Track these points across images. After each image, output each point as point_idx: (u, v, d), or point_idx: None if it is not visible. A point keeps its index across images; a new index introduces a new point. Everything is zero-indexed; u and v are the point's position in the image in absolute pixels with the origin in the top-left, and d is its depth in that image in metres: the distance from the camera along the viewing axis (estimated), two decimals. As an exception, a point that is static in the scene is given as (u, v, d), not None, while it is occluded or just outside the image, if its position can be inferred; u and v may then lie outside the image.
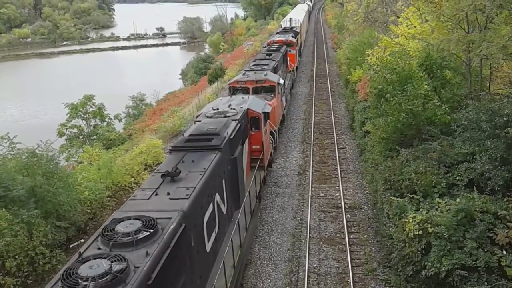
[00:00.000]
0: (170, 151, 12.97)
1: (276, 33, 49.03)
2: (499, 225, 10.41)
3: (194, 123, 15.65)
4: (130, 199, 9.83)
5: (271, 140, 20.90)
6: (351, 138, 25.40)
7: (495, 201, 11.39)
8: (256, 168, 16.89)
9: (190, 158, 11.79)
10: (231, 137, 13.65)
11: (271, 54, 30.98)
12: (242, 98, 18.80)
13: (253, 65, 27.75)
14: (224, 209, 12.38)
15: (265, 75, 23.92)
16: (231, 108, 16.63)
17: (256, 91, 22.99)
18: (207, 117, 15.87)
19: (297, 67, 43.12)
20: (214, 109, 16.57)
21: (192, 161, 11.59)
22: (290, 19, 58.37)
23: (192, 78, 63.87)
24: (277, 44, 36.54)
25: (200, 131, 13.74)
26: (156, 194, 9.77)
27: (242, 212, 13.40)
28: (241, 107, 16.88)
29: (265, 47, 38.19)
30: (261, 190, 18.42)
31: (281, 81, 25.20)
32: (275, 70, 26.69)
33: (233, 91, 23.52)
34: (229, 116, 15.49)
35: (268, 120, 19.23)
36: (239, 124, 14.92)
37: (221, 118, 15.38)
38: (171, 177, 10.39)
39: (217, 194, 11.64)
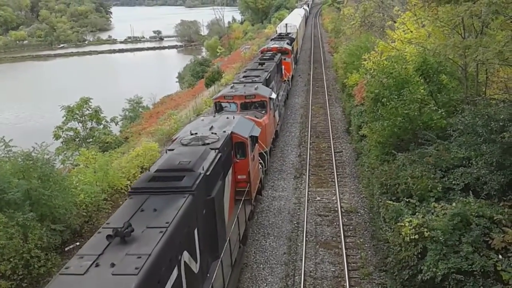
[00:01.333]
0: (129, 194, 10.46)
1: (271, 40, 46.50)
2: (495, 230, 10.43)
3: (166, 152, 13.12)
4: (60, 273, 7.33)
5: (261, 164, 18.81)
6: (347, 142, 25.44)
7: (491, 205, 11.41)
8: (241, 202, 14.43)
9: (152, 205, 9.39)
10: (208, 172, 11.35)
11: (263, 64, 28.58)
12: (227, 118, 16.55)
13: (243, 77, 25.36)
14: (196, 268, 9.99)
15: (256, 88, 21.51)
16: (212, 133, 14.42)
17: (245, 107, 20.81)
18: (182, 144, 13.49)
19: (293, 75, 41.21)
20: (192, 134, 14.20)
21: (154, 210, 9.18)
22: (286, 24, 56.35)
23: (189, 81, 63.93)
24: (271, 53, 33.99)
25: (170, 165, 11.45)
26: (97, 265, 7.28)
27: (219, 266, 11.08)
28: (224, 131, 14.66)
29: (260, 54, 36.17)
30: (248, 229, 15.86)
31: (273, 96, 22.64)
32: (267, 82, 24.48)
33: (219, 107, 21.16)
34: (208, 144, 13.26)
35: (256, 144, 17.12)
36: (219, 154, 12.76)
37: (198, 146, 13.09)
38: (121, 238, 7.89)
39: (185, 253, 9.24)
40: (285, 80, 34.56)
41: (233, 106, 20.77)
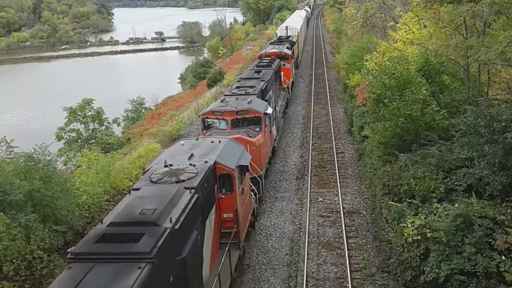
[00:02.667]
0: (68, 261, 8.05)
1: (270, 43, 43.69)
2: (498, 231, 10.41)
3: (129, 192, 10.77)
4: None
5: (254, 192, 16.43)
6: (349, 143, 25.42)
7: (494, 206, 11.39)
8: (226, 247, 12.17)
9: (96, 278, 7.22)
10: (178, 225, 8.98)
11: (260, 72, 25.68)
12: (212, 142, 14.22)
13: (236, 88, 22.68)
14: None
15: (249, 102, 19.07)
16: (191, 164, 11.96)
17: (236, 124, 18.45)
18: (151, 181, 11.05)
19: (293, 81, 38.69)
20: (165, 165, 11.86)
21: None
22: (287, 27, 53.76)
23: (191, 83, 64.00)
24: (268, 58, 31.03)
25: (128, 217, 8.98)
26: None
27: None
28: (206, 161, 12.29)
29: (257, 59, 34.04)
30: (235, 281, 13.33)
31: (269, 110, 20.00)
32: (263, 94, 21.99)
33: (207, 124, 18.78)
34: (183, 181, 10.88)
35: (247, 173, 14.82)
36: (197, 196, 10.37)
37: (170, 185, 10.67)
38: None
39: None
40: (284, 88, 32.26)
41: (223, 124, 18.39)
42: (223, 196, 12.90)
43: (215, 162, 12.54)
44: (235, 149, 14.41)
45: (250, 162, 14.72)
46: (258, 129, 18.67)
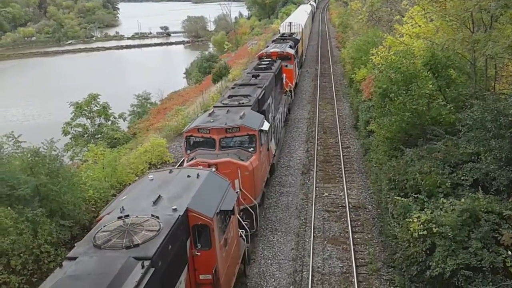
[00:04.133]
0: None
1: (272, 41, 40.23)
2: (504, 226, 10.40)
3: (60, 266, 8.19)
4: None
5: (245, 228, 13.92)
6: (355, 138, 25.38)
7: (500, 201, 11.36)
8: None
9: None
10: None
11: (258, 76, 22.49)
12: (188, 177, 11.49)
13: (229, 96, 19.48)
14: None
15: (242, 116, 16.07)
16: (153, 215, 9.28)
17: (225, 144, 15.55)
18: (94, 245, 8.54)
19: (296, 83, 35.55)
20: (120, 216, 9.37)
21: None
22: (290, 23, 50.87)
23: (196, 77, 63.93)
24: (268, 60, 27.76)
25: None
26: None
27: None
28: (175, 209, 9.63)
29: (257, 59, 31.11)
30: None
31: (266, 126, 16.99)
32: (259, 104, 18.86)
33: (192, 143, 15.97)
34: (136, 246, 8.32)
35: (233, 216, 12.08)
36: (152, 270, 7.84)
37: (117, 252, 8.21)
38: None
39: None
40: (286, 91, 29.27)
41: (210, 143, 15.51)
42: (199, 253, 10.25)
43: (187, 210, 9.84)
44: (217, 187, 11.63)
45: (242, 190, 13.79)
46: (252, 149, 15.76)
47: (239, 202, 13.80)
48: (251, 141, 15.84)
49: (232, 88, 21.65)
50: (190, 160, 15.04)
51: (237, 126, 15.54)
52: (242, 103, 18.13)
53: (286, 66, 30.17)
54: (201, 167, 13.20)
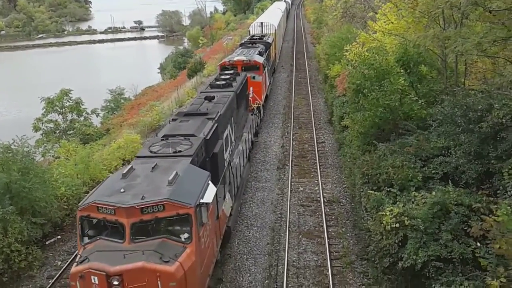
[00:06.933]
0: None
1: (240, 45, 34.28)
2: (473, 218, 10.63)
3: None
4: None
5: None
6: (330, 133, 25.61)
7: (470, 194, 11.63)
8: None
9: None
10: None
11: (212, 99, 16.67)
12: None
13: (164, 137, 12.96)
14: None
15: (171, 182, 10.09)
16: None
17: (141, 232, 9.62)
18: None
19: (267, 95, 30.17)
20: None
21: None
22: (261, 23, 45.38)
23: (171, 73, 63.38)
24: (230, 73, 21.82)
25: None
26: None
27: None
28: None
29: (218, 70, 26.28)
30: None
31: (210, 195, 10.64)
32: (207, 147, 12.82)
33: (89, 229, 10.06)
34: None
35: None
36: None
37: None
38: None
39: None
40: (253, 109, 23.92)
41: (116, 230, 9.59)
42: None
43: None
44: None
45: None
46: (185, 237, 9.87)
47: None
48: (185, 224, 9.88)
49: (173, 119, 15.01)
50: (81, 262, 9.18)
51: (161, 202, 9.52)
52: (179, 151, 11.92)
53: (254, 78, 25.20)
54: (96, 278, 8.83)
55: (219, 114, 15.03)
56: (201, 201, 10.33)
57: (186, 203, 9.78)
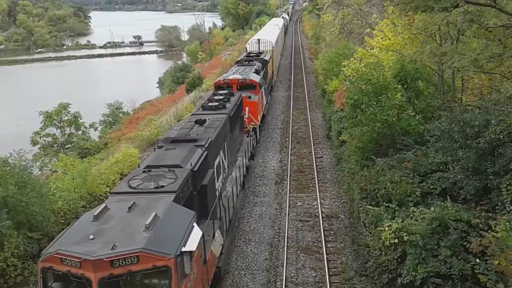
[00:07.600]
0: None
1: (235, 62, 33.28)
2: (472, 233, 10.63)
3: None
4: None
5: None
6: (328, 148, 25.64)
7: (468, 209, 11.64)
8: None
9: None
10: None
11: (203, 122, 15.96)
12: None
13: (146, 168, 11.80)
14: None
15: (148, 227, 8.76)
16: None
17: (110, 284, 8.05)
18: None
19: (264, 114, 29.44)
20: None
21: None
22: (258, 40, 43.79)
23: (169, 87, 63.62)
24: (225, 93, 21.00)
25: None
26: None
27: None
28: None
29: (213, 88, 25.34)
30: None
31: (193, 244, 9.19)
32: (194, 181, 11.84)
33: (52, 283, 8.63)
34: None
35: None
36: None
37: None
38: None
39: None
40: (249, 131, 22.87)
41: (82, 286, 8.13)
42: None
43: None
44: None
45: None
46: None
47: None
48: (163, 277, 8.50)
49: (159, 147, 13.79)
50: None
51: (134, 253, 8.18)
52: (162, 186, 10.72)
53: (250, 97, 24.40)
54: None
55: (210, 140, 13.88)
56: (183, 249, 8.90)
57: (164, 254, 8.36)
